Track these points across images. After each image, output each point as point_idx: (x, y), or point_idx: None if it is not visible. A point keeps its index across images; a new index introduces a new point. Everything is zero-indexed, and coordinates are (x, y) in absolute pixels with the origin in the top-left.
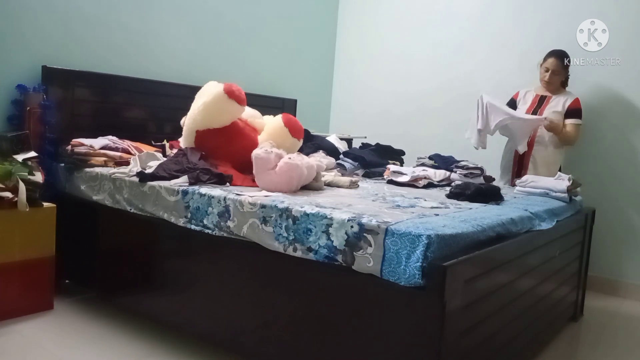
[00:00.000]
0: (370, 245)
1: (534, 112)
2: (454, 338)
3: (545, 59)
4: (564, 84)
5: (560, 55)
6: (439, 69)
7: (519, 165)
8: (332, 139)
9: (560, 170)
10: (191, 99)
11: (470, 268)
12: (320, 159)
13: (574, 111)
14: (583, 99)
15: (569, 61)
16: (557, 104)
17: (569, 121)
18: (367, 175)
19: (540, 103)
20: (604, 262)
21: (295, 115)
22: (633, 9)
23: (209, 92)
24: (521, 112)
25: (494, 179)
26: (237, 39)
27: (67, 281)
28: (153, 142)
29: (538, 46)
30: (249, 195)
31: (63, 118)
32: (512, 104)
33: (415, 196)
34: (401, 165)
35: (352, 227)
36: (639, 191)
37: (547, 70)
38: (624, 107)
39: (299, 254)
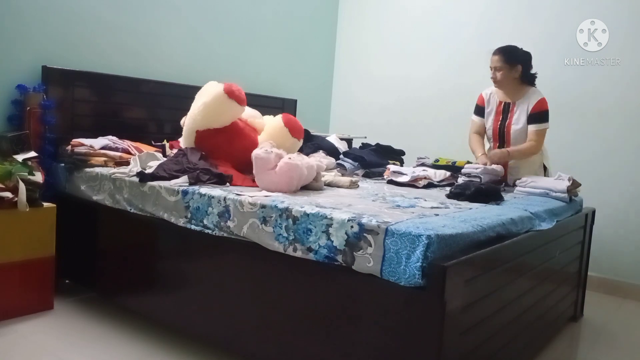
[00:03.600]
0: (370, 246)
1: (502, 123)
2: (454, 338)
3: (491, 59)
4: (526, 81)
5: (501, 51)
6: (440, 69)
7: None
8: (332, 139)
9: (545, 169)
10: (191, 99)
11: (470, 268)
12: (320, 159)
13: (535, 115)
14: (582, 99)
15: (515, 57)
16: (520, 112)
17: (530, 127)
18: (367, 175)
19: (505, 113)
20: (604, 262)
21: (295, 115)
22: (633, 9)
23: (209, 92)
24: (479, 160)
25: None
26: (237, 39)
27: (67, 281)
28: (153, 142)
29: (538, 46)
30: (249, 195)
31: (63, 118)
32: (480, 111)
33: (415, 196)
34: (401, 165)
35: (352, 227)
36: (639, 191)
37: (491, 69)
38: (623, 107)
39: (299, 254)
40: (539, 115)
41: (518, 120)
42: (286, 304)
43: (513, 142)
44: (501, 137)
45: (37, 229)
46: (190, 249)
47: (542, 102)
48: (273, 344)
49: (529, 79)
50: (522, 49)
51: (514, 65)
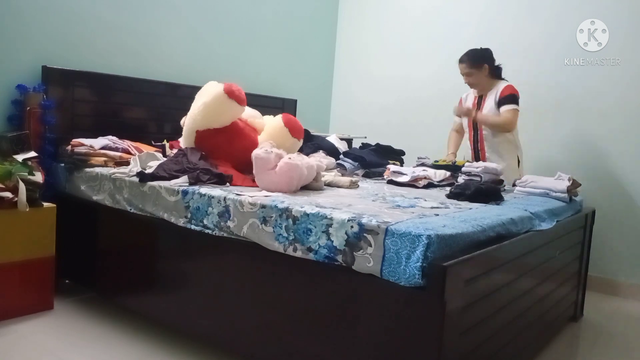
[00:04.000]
0: (370, 246)
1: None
2: (454, 338)
3: (459, 67)
4: (494, 75)
5: (465, 59)
6: (440, 69)
7: (474, 152)
8: (332, 139)
9: (519, 160)
10: (191, 99)
11: (470, 268)
12: (320, 159)
13: (504, 99)
14: (582, 99)
15: (478, 59)
16: (490, 101)
17: (502, 109)
18: (367, 175)
19: (478, 105)
20: (604, 262)
21: (295, 115)
22: (633, 9)
23: (209, 92)
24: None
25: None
26: (237, 39)
27: (67, 281)
28: (153, 142)
29: (538, 46)
30: (249, 195)
31: (63, 118)
32: None
33: (415, 196)
34: (401, 165)
35: (352, 227)
36: (639, 191)
37: (463, 76)
38: (623, 107)
39: (299, 254)
40: (508, 97)
41: (487, 107)
42: (286, 304)
43: (485, 129)
44: (474, 124)
45: (37, 229)
46: (190, 249)
47: (509, 88)
48: (273, 344)
49: (497, 74)
50: (481, 48)
51: (481, 66)
